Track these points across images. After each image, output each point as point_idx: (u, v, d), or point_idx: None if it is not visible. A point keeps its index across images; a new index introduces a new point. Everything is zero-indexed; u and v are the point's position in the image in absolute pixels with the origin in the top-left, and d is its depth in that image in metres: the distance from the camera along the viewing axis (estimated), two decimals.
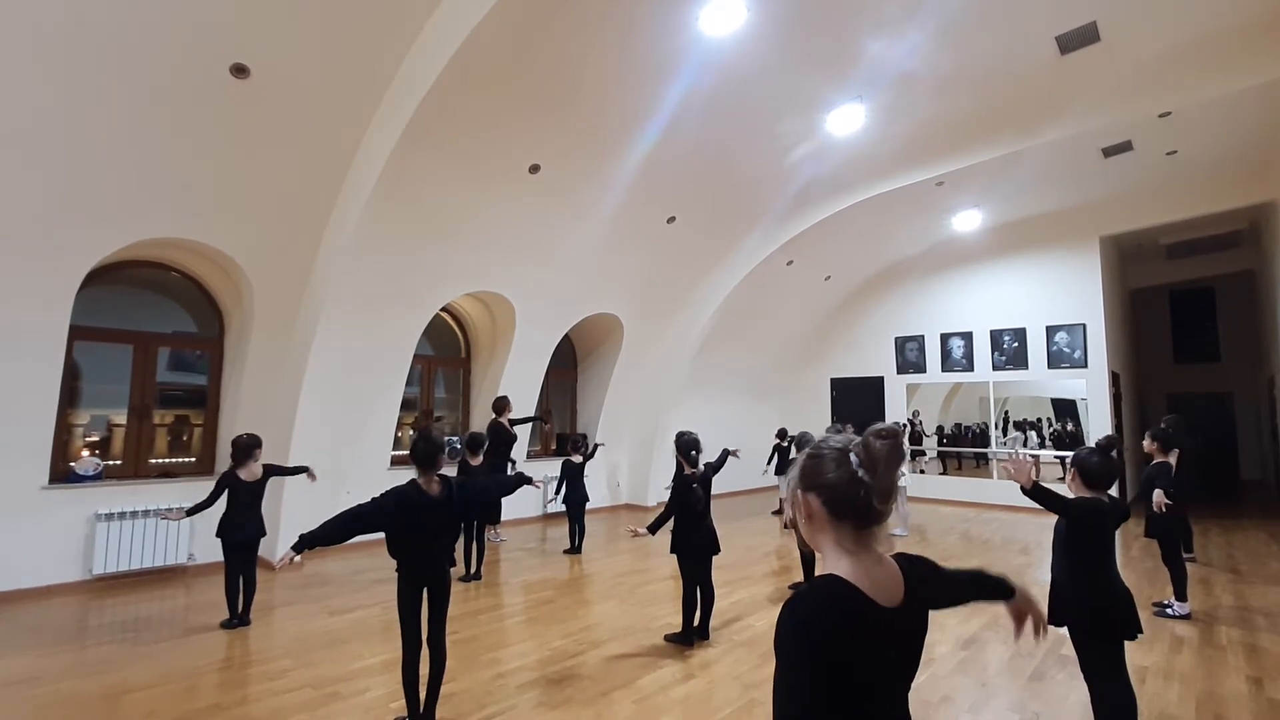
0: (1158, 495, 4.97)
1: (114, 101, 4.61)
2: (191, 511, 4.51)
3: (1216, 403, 14.15)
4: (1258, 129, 6.91)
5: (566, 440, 8.49)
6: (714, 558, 4.47)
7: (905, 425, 10.77)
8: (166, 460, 6.35)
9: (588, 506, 7.41)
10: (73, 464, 5.69)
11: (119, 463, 6.04)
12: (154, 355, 6.28)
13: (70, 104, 4.50)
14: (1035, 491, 2.73)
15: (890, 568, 1.16)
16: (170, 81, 4.66)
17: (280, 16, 4.50)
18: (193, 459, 6.47)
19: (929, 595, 1.22)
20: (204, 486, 5.93)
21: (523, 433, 8.14)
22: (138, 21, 4.25)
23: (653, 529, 4.32)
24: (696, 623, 4.36)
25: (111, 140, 4.80)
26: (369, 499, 2.99)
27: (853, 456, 1.14)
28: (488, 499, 5.63)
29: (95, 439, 6.06)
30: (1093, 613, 2.71)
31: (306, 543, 2.86)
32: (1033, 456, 10.23)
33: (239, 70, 4.75)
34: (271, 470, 4.81)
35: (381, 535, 3.03)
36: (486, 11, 4.30)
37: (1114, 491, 2.86)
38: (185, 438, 6.58)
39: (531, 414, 8.38)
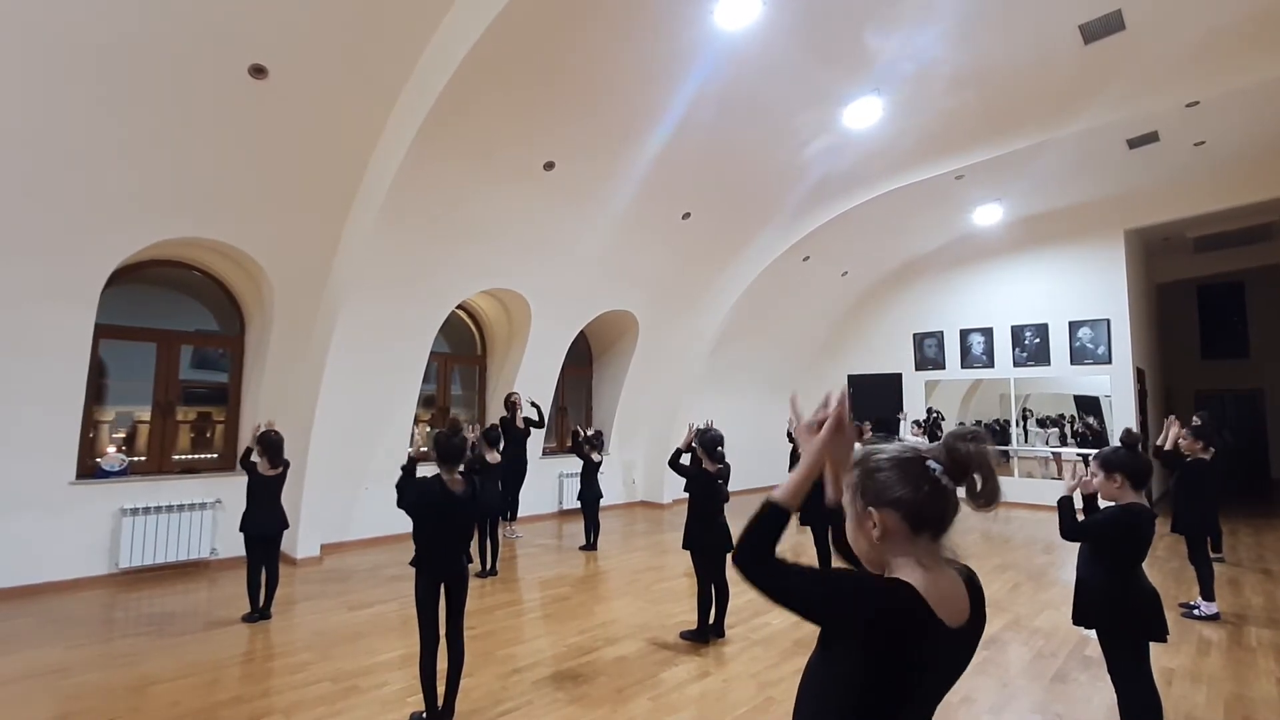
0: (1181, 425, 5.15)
1: (135, 103, 4.68)
2: (247, 455, 4.82)
3: (1246, 400, 13.81)
4: None
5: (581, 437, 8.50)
6: (728, 555, 4.45)
7: (926, 421, 10.64)
8: (190, 456, 6.46)
9: (602, 503, 7.43)
10: (99, 460, 5.80)
11: (144, 459, 6.15)
12: (177, 353, 6.39)
13: (93, 106, 4.58)
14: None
15: (956, 581, 1.10)
16: (190, 83, 4.72)
17: (297, 17, 4.53)
18: (215, 455, 6.58)
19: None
20: (227, 481, 6.10)
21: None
22: (157, 23, 4.31)
23: (686, 449, 4.56)
24: (712, 620, 4.35)
25: (133, 141, 4.88)
26: (400, 475, 3.25)
27: (932, 464, 1.09)
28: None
29: (121, 435, 6.18)
30: (1121, 614, 2.66)
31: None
32: (1054, 454, 10.08)
33: (257, 71, 4.79)
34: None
35: (401, 532, 3.08)
36: (500, 9, 4.30)
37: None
38: (208, 434, 6.69)
39: (534, 416, 7.62)
